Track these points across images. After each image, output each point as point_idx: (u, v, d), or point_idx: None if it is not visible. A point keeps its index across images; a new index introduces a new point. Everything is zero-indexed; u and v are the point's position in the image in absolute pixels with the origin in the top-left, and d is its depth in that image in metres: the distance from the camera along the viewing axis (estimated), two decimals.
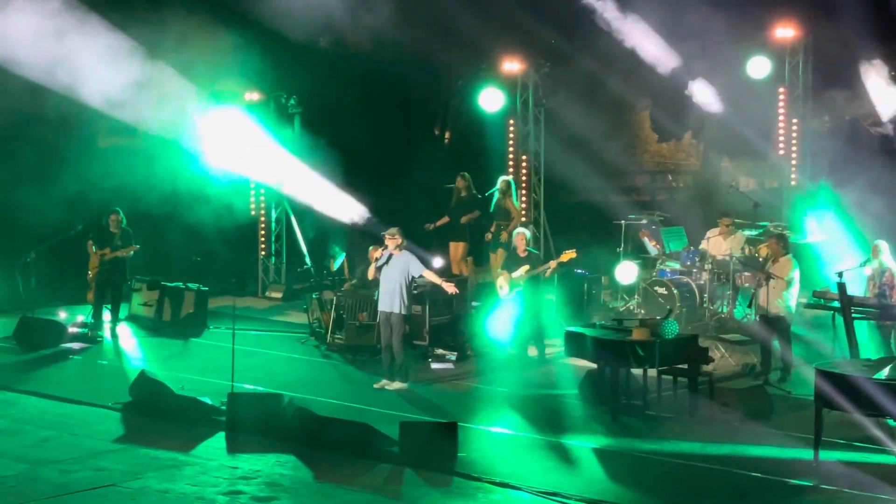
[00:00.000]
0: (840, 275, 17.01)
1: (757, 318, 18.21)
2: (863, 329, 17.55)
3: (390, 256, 17.41)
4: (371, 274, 17.92)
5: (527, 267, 18.95)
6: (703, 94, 25.24)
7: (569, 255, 19.17)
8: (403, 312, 17.39)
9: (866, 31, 24.42)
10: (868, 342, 17.57)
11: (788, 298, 17.50)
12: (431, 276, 17.78)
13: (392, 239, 17.35)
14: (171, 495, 13.23)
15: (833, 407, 13.93)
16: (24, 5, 18.92)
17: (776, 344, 17.67)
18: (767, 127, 25.40)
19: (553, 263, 19.16)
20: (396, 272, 17.32)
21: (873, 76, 25.43)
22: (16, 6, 18.86)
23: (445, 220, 23.13)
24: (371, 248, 18.26)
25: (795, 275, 17.56)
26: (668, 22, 23.76)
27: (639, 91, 27.15)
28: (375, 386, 17.48)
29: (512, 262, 19.26)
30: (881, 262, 17.95)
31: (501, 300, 19.30)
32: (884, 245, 18.07)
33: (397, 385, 17.40)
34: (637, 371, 16.42)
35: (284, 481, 13.66)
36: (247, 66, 22.35)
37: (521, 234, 19.42)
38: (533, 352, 19.07)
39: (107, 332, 20.91)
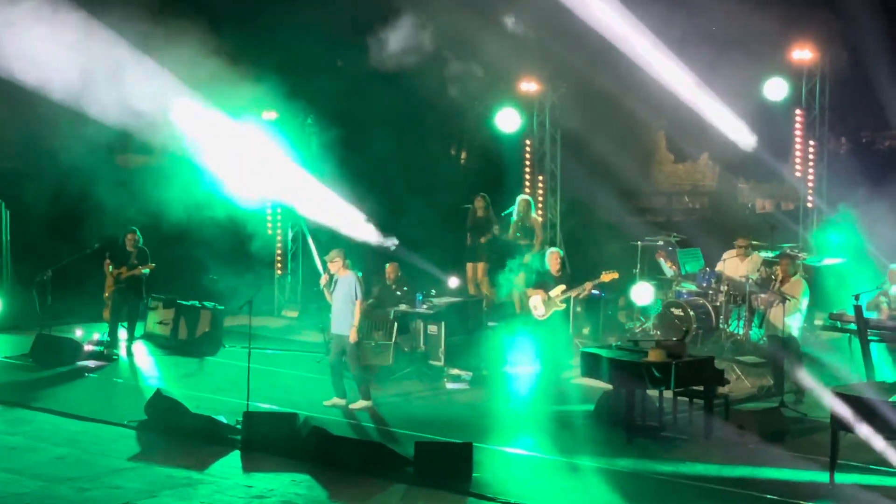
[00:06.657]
0: (857, 297, 16.97)
1: (765, 338, 18.20)
2: (878, 352, 17.50)
3: (336, 280, 17.44)
4: (329, 297, 17.82)
5: (563, 287, 18.77)
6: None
7: (610, 275, 18.98)
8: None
9: (884, 53, 24.37)
10: (884, 365, 17.51)
11: (795, 319, 17.44)
12: (357, 309, 17.35)
13: (332, 263, 17.43)
14: None
15: (849, 430, 13.90)
16: (42, 23, 19.04)
17: (787, 365, 17.64)
18: (784, 148, 25.33)
19: (588, 285, 18.99)
20: (341, 294, 17.36)
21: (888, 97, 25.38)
22: (35, 24, 18.98)
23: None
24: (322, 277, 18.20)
25: (805, 296, 17.52)
26: (685, 44, 23.72)
27: (655, 111, 27.10)
28: (326, 403, 17.31)
29: (545, 282, 18.96)
30: None
31: (534, 321, 18.89)
32: None
33: (362, 404, 17.30)
34: (653, 392, 16.39)
35: (299, 500, 13.64)
36: (265, 85, 22.40)
37: (555, 253, 19.21)
38: (553, 371, 19.00)
39: (122, 351, 20.97)
